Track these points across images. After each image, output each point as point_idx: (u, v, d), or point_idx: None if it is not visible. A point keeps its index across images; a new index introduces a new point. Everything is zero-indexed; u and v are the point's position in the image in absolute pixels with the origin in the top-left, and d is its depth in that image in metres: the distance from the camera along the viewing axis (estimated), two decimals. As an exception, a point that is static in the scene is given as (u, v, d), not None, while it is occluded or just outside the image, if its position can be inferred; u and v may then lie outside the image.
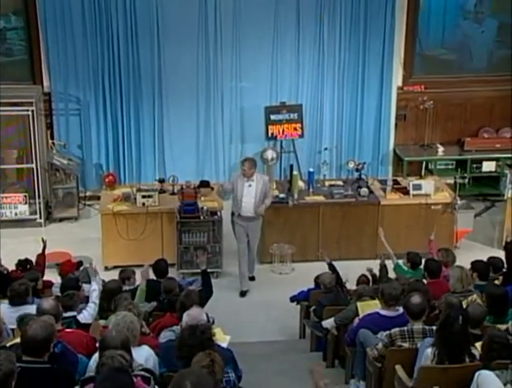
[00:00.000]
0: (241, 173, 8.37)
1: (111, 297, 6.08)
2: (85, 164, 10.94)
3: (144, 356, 4.66)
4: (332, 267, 7.34)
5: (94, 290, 6.14)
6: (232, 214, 8.53)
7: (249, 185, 8.29)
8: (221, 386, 3.81)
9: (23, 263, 7.30)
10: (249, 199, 8.30)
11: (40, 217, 10.21)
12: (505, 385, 4.42)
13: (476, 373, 4.41)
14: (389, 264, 7.39)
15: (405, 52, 11.10)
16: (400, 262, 7.42)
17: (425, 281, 6.91)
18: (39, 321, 4.35)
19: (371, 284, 7.22)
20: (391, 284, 5.97)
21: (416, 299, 5.41)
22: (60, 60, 10.57)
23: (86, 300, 6.19)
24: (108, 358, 4.02)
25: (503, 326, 5.43)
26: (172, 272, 7.90)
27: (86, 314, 5.79)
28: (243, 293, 8.61)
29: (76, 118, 10.85)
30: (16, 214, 10.14)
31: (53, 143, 10.65)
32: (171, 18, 10.56)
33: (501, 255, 7.53)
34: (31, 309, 5.54)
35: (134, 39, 10.56)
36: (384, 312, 5.81)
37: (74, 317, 5.65)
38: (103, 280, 6.75)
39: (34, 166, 10.05)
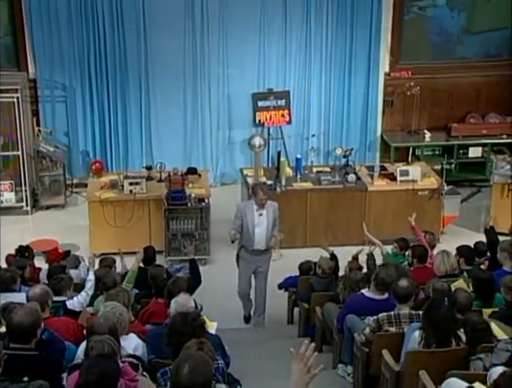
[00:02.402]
0: (249, 202, 7.48)
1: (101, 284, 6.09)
2: (71, 151, 10.88)
3: (133, 344, 4.67)
4: (334, 257, 7.37)
5: (89, 280, 6.06)
6: (240, 249, 7.51)
7: (260, 214, 7.29)
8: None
9: (22, 250, 7.28)
10: (261, 230, 7.30)
11: (27, 205, 10.15)
12: (489, 367, 4.47)
13: (444, 383, 4.47)
14: (377, 254, 7.45)
15: (392, 38, 11.09)
16: (389, 250, 7.49)
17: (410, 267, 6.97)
18: (25, 308, 4.34)
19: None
20: (388, 270, 5.89)
21: (403, 283, 5.44)
22: (46, 46, 10.47)
23: (74, 286, 6.17)
24: (97, 342, 4.03)
25: (489, 311, 5.49)
26: (160, 259, 7.90)
27: (75, 302, 5.75)
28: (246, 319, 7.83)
29: (62, 105, 10.78)
30: (2, 202, 10.08)
31: (39, 130, 10.58)
32: (157, 3, 10.47)
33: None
34: (18, 297, 5.52)
35: (120, 24, 10.48)
36: (369, 294, 5.84)
37: (63, 302, 5.63)
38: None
39: (20, 153, 9.99)
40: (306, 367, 2.56)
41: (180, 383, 3.02)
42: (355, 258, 7.40)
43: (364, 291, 5.90)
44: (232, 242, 7.48)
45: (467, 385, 4.27)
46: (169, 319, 4.32)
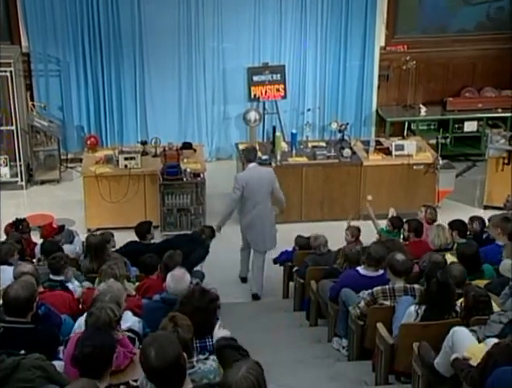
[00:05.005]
0: None
1: (94, 253, 6.10)
2: (66, 126, 10.82)
3: (129, 322, 4.68)
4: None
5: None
6: None
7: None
8: (197, 351, 3.79)
9: (17, 223, 7.29)
10: None
11: (22, 180, 10.13)
12: (482, 339, 4.51)
13: (452, 330, 4.47)
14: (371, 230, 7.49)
15: (388, 11, 11.02)
16: (383, 226, 7.51)
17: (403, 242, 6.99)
18: (21, 281, 4.36)
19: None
20: (376, 246, 6.04)
21: (400, 256, 5.46)
22: (39, 19, 10.35)
23: (70, 261, 6.18)
24: (98, 309, 4.05)
25: (482, 283, 5.52)
26: (156, 234, 7.91)
27: (73, 288, 5.69)
28: (256, 296, 7.78)
29: (56, 79, 10.70)
30: (-3, 177, 10.06)
31: (33, 105, 10.51)
32: (151, -24, 10.38)
33: (482, 214, 7.62)
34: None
35: (114, -3, 10.39)
36: (364, 271, 5.89)
37: (61, 282, 5.63)
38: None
39: (14, 128, 9.93)
40: None
41: (151, 366, 3.12)
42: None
43: (359, 268, 5.95)
44: None
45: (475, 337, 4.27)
46: (188, 291, 4.29)
